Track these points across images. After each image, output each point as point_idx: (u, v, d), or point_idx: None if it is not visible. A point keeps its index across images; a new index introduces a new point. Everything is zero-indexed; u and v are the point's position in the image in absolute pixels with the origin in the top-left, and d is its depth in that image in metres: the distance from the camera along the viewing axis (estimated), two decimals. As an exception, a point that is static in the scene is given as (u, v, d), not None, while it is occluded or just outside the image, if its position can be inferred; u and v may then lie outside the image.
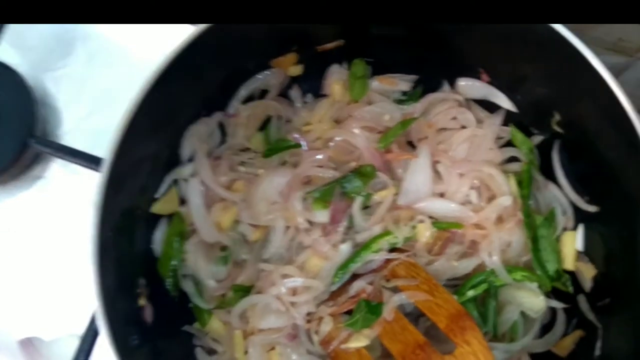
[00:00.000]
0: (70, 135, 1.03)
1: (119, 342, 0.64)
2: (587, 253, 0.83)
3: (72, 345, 0.88)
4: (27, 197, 1.00)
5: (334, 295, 0.83)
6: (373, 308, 0.79)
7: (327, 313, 0.81)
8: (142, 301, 0.76)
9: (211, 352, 0.85)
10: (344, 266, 0.82)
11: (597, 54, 0.70)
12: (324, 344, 0.80)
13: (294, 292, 0.82)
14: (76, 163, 0.96)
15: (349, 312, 0.80)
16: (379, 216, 0.84)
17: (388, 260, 0.83)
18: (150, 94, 0.70)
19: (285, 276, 0.81)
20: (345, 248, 0.83)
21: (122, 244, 0.73)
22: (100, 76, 1.05)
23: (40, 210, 0.99)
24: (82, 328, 0.88)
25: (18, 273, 0.97)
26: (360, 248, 0.83)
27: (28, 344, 0.91)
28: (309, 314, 0.81)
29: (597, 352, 0.77)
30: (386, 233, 0.83)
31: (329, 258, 0.83)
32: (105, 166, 0.67)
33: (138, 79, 0.69)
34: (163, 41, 1.04)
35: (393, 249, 0.84)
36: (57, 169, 1.01)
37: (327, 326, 0.80)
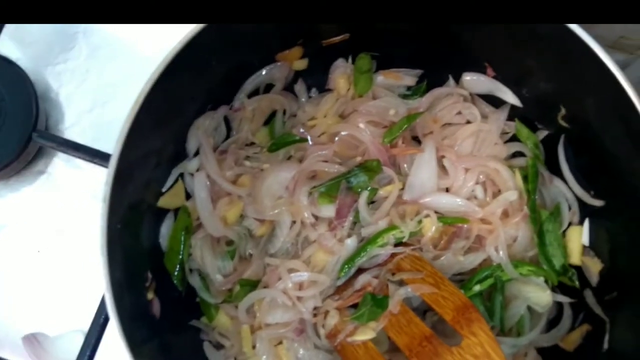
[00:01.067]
0: (72, 129, 1.02)
1: (128, 335, 0.63)
2: (593, 247, 0.83)
3: (77, 340, 0.88)
4: (30, 191, 1.00)
5: (339, 289, 0.83)
6: (379, 301, 0.79)
7: (333, 307, 0.81)
8: (150, 295, 0.76)
9: (219, 346, 0.85)
10: (349, 260, 0.82)
11: (603, 48, 0.70)
12: (330, 337, 0.80)
13: (300, 286, 0.82)
14: (79, 157, 0.95)
15: (355, 306, 0.81)
16: (384, 211, 0.84)
17: (393, 255, 0.83)
18: (156, 88, 0.69)
19: (291, 270, 0.81)
20: (350, 242, 0.83)
21: (129, 237, 0.73)
22: (102, 70, 1.05)
23: (44, 205, 0.99)
24: (86, 323, 0.88)
25: (21, 268, 0.97)
26: (366, 242, 0.83)
27: (32, 340, 0.90)
28: (315, 308, 0.81)
29: (605, 345, 0.76)
30: (392, 227, 0.83)
31: (335, 252, 0.83)
32: (114, 159, 0.67)
33: (140, 73, 0.69)
34: (165, 35, 1.02)
35: (399, 244, 0.83)
36: (60, 164, 1.01)
37: (333, 320, 0.80)
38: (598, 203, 0.82)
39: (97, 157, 0.93)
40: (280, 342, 0.82)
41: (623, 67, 1.03)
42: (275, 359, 0.81)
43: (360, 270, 0.83)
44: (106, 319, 0.86)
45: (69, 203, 0.99)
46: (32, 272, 0.96)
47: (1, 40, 1.03)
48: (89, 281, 0.94)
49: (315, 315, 0.81)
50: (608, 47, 1.04)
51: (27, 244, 0.98)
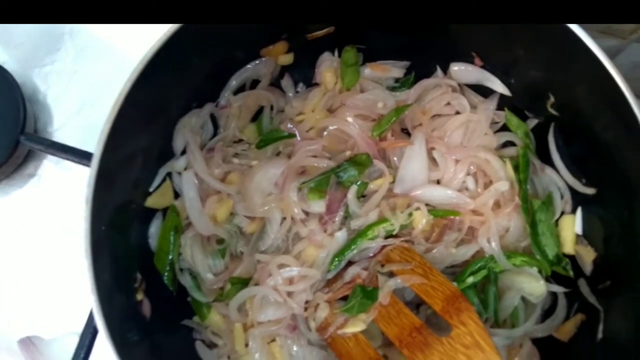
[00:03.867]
0: (61, 131, 1.02)
1: (117, 337, 0.63)
2: (587, 236, 0.82)
3: (72, 343, 0.88)
4: (20, 195, 1.00)
5: (329, 282, 0.83)
6: (369, 293, 0.79)
7: (324, 300, 0.81)
8: (140, 296, 0.75)
9: (211, 345, 0.85)
10: (340, 253, 0.82)
11: (591, 37, 0.69)
12: (321, 330, 0.80)
13: (290, 281, 0.81)
14: (68, 159, 0.95)
15: (345, 298, 0.80)
16: (374, 203, 0.84)
17: (384, 247, 0.82)
18: (136, 88, 0.69)
19: (281, 266, 0.81)
20: (340, 235, 0.83)
21: (117, 238, 0.73)
22: (89, 71, 1.05)
23: (35, 208, 0.99)
24: (81, 325, 0.88)
25: (14, 272, 0.97)
26: (356, 235, 0.82)
27: (28, 343, 0.90)
28: (306, 302, 0.81)
29: (600, 335, 0.76)
30: (382, 220, 0.82)
31: (325, 246, 0.82)
32: (95, 160, 0.66)
33: (128, 72, 0.69)
34: (151, 34, 1.02)
35: (389, 237, 0.83)
36: (50, 166, 1.00)
37: (323, 312, 0.80)
38: (590, 191, 0.81)
39: (86, 158, 0.92)
40: (274, 340, 0.82)
41: (617, 52, 1.03)
42: (268, 357, 0.81)
43: (350, 263, 0.83)
44: (99, 321, 0.86)
45: (60, 205, 0.99)
46: (25, 275, 0.96)
47: (-13, 44, 1.02)
48: (82, 283, 0.92)
49: (305, 309, 0.81)
50: (600, 32, 1.03)
51: (20, 247, 0.97)
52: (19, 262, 0.97)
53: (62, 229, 0.98)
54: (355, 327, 0.78)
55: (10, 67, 1.00)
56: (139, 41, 1.02)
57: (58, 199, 0.99)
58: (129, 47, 1.04)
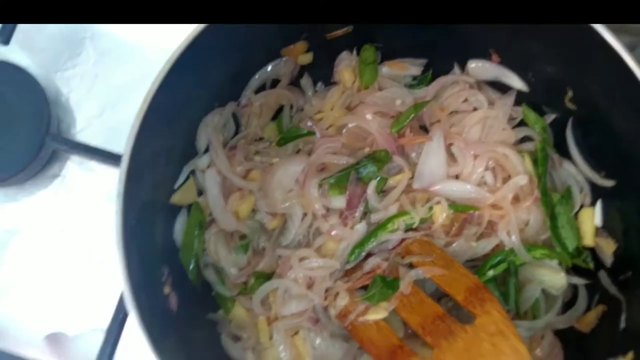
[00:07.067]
0: (83, 133, 1.03)
1: (148, 329, 0.64)
2: (606, 228, 0.83)
3: (97, 339, 0.89)
4: (45, 195, 1.01)
5: (348, 272, 0.84)
6: (389, 283, 0.80)
7: (344, 289, 0.81)
8: (167, 289, 0.77)
9: (236, 338, 0.86)
10: (360, 245, 0.83)
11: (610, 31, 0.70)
12: (341, 318, 0.81)
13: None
14: (92, 159, 0.97)
15: (365, 288, 0.81)
16: (393, 197, 0.85)
17: (403, 240, 0.83)
18: (163, 88, 0.71)
19: (302, 259, 0.82)
20: (360, 228, 0.84)
21: (145, 234, 0.74)
22: (110, 74, 1.06)
23: (59, 208, 1.00)
24: (105, 322, 0.89)
25: (40, 271, 0.98)
26: (377, 227, 0.83)
27: (54, 340, 0.92)
28: (326, 291, 0.82)
29: (623, 324, 0.76)
30: (403, 213, 0.83)
31: (345, 238, 0.83)
32: (125, 156, 0.68)
33: (148, 75, 0.70)
34: (171, 36, 1.03)
35: (409, 230, 0.84)
36: (73, 167, 1.02)
37: (343, 301, 0.81)
38: (609, 183, 0.82)
39: (110, 158, 0.94)
40: (297, 332, 0.83)
41: (630, 49, 1.03)
42: (292, 349, 0.82)
43: (369, 255, 0.84)
44: (125, 317, 0.88)
45: (84, 205, 1.00)
46: (50, 272, 0.98)
47: (11, 48, 1.04)
48: (106, 281, 0.95)
49: (325, 298, 0.82)
50: (614, 29, 1.04)
51: (44, 246, 0.99)
52: (44, 261, 0.99)
53: (86, 228, 0.99)
54: (377, 314, 0.78)
55: (33, 71, 1.01)
56: (159, 45, 1.05)
57: (82, 199, 1.01)
58: (148, 50, 1.06)
